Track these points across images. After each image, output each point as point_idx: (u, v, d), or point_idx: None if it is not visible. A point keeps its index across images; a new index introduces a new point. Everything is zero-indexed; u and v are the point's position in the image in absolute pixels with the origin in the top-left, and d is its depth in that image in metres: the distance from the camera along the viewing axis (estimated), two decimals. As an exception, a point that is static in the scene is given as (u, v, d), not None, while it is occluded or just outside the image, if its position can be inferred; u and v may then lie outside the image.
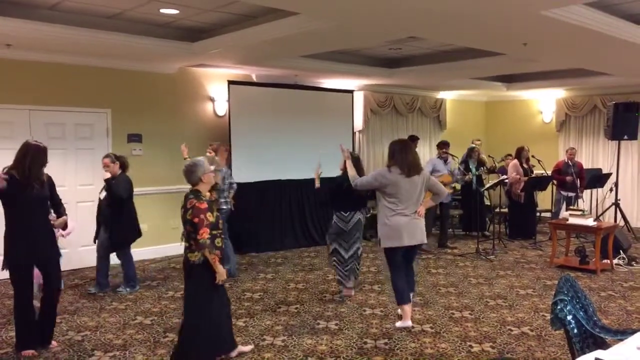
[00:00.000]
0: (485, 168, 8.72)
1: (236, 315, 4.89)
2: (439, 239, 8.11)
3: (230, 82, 7.66)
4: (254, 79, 8.22)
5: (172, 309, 5.13)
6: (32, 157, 3.93)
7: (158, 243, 7.31)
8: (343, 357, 4.00)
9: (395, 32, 5.37)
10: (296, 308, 5.16)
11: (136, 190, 5.84)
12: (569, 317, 2.81)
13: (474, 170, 8.40)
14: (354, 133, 9.20)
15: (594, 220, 6.74)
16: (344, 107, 8.96)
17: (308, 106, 8.45)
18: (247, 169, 7.60)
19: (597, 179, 8.72)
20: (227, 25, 5.77)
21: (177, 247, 7.44)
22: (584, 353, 2.63)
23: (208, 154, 5.89)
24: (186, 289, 3.73)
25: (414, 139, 9.18)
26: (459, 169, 8.26)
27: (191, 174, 3.64)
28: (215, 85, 7.85)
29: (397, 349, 4.14)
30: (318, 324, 4.72)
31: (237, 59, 6.86)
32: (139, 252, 6.78)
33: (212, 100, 7.87)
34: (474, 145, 8.88)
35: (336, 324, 4.68)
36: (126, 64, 6.92)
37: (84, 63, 6.63)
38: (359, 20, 4.71)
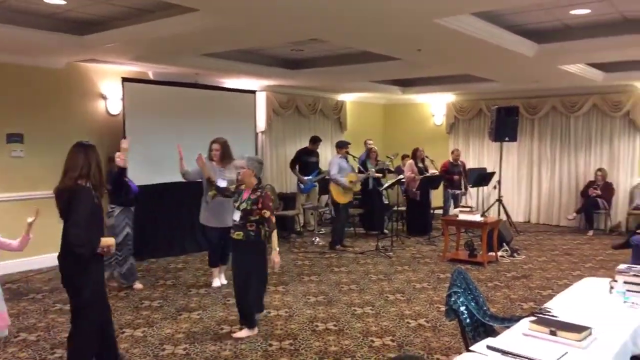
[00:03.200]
0: (388, 165, 9.07)
1: (133, 325, 4.64)
2: (330, 239, 8.09)
3: (124, 80, 7.26)
4: (151, 76, 7.86)
5: (60, 323, 4.75)
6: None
7: (44, 252, 6.73)
8: (248, 361, 3.95)
9: (295, 32, 5.39)
10: (198, 314, 5.00)
11: (17, 194, 5.35)
12: (462, 308, 3.00)
13: (373, 170, 8.70)
14: (256, 134, 9.13)
15: (481, 216, 7.26)
16: (246, 107, 8.86)
17: (209, 106, 8.23)
18: (144, 171, 7.24)
19: (482, 177, 9.41)
20: (122, 19, 5.45)
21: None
22: (476, 341, 2.81)
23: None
24: None
25: (316, 140, 9.34)
26: (359, 168, 8.50)
27: None
28: (108, 82, 7.39)
29: (302, 349, 4.16)
30: (222, 329, 4.61)
31: (132, 55, 6.51)
32: (23, 262, 6.22)
33: (104, 98, 7.39)
34: (372, 146, 9.19)
35: (240, 328, 4.59)
36: (6, 57, 6.30)
37: (-46, 54, 5.96)
38: (258, 19, 4.67)
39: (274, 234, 4.30)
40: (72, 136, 6.90)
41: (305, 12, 4.44)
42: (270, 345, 4.25)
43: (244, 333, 4.43)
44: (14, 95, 6.49)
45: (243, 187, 4.47)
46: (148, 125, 7.39)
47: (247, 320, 4.47)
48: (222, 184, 4.85)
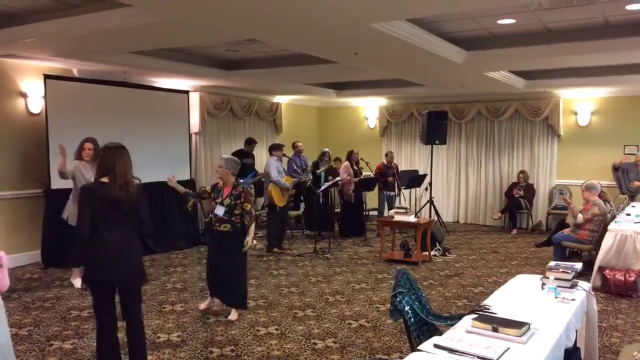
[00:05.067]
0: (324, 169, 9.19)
1: (61, 337, 4.35)
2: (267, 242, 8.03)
3: (46, 77, 6.82)
4: (75, 73, 7.42)
5: (47, 318, 4.65)
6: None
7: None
8: (188, 371, 3.81)
9: (230, 32, 5.28)
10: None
11: None
12: (407, 308, 3.05)
13: (323, 174, 8.74)
14: (190, 135, 8.88)
15: (415, 217, 7.46)
16: (179, 108, 8.60)
17: (140, 106, 7.91)
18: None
19: (414, 179, 9.69)
20: (45, 12, 5.11)
21: (23, 258, 6.44)
22: (420, 340, 2.87)
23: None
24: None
25: (251, 142, 9.23)
26: (295, 170, 8.49)
27: None
28: (29, 79, 6.91)
29: (244, 355, 4.08)
30: (159, 337, 4.42)
31: (55, 51, 6.13)
32: None
33: (24, 95, 6.90)
34: (327, 150, 9.28)
35: (178, 336, 4.44)
36: None
37: None
38: (192, 17, 4.53)
39: (252, 224, 4.91)
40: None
41: (241, 11, 4.35)
42: (211, 352, 4.13)
43: (235, 315, 4.92)
44: None
45: (221, 185, 4.94)
46: (73, 125, 6.95)
47: (241, 301, 4.98)
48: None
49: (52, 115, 6.80)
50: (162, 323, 4.77)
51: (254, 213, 4.99)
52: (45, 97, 6.83)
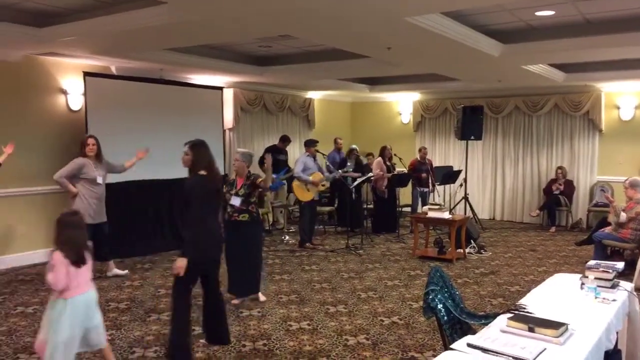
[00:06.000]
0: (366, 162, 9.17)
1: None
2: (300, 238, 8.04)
3: (86, 74, 7.01)
4: (114, 71, 7.61)
5: (23, 327, 4.54)
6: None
7: (2, 253, 6.45)
8: (221, 363, 3.87)
9: (263, 28, 5.31)
10: (168, 316, 4.86)
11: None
12: (440, 306, 3.00)
13: (351, 170, 8.73)
14: (224, 131, 8.99)
15: (449, 214, 7.35)
16: (213, 104, 8.71)
17: (175, 102, 8.05)
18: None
19: (449, 175, 9.54)
20: (84, 11, 5.25)
21: (24, 257, 6.66)
22: (454, 339, 2.82)
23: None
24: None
25: (286, 140, 9.28)
26: (327, 166, 8.48)
27: None
28: (69, 76, 7.12)
29: (276, 349, 4.11)
30: (193, 330, 4.49)
31: (94, 49, 6.29)
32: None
33: (64, 93, 7.11)
34: (355, 146, 9.24)
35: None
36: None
37: None
38: (226, 13, 4.57)
39: (269, 176, 5.24)
40: (30, 132, 6.71)
41: (274, 7, 4.37)
42: (244, 346, 4.17)
43: (263, 297, 5.33)
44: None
45: (233, 177, 5.24)
46: (111, 121, 7.15)
47: (256, 287, 5.29)
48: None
49: (91, 112, 6.99)
50: (197, 315, 4.84)
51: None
52: (84, 94, 7.02)
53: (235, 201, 5.03)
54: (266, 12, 4.50)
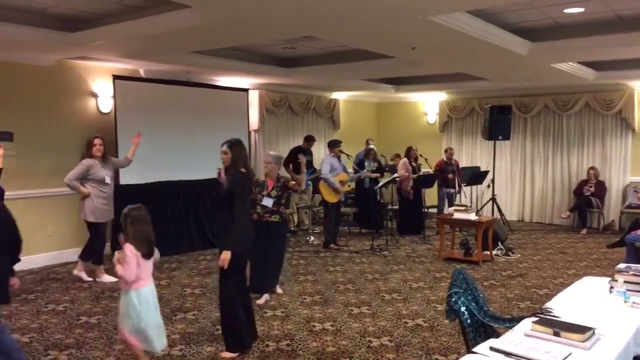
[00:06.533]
0: (384, 167, 9.09)
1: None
2: (324, 239, 8.03)
3: (115, 77, 7.17)
4: (142, 74, 7.76)
5: (54, 324, 4.67)
6: None
7: (34, 252, 6.63)
8: (244, 363, 3.90)
9: (287, 29, 5.34)
10: (194, 315, 4.94)
11: (8, 194, 5.23)
12: (463, 309, 2.96)
13: (364, 171, 8.68)
14: (249, 132, 9.07)
15: (476, 215, 7.25)
16: (238, 106, 8.80)
17: (201, 104, 8.17)
18: (136, 170, 7.15)
19: (476, 176, 9.41)
20: (112, 15, 5.37)
21: (54, 257, 6.84)
22: (477, 342, 2.78)
23: None
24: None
25: (310, 139, 9.29)
26: (353, 167, 8.47)
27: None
28: (99, 79, 7.30)
29: (299, 350, 4.12)
30: (218, 329, 4.54)
31: (122, 53, 6.42)
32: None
33: (95, 95, 7.29)
34: (372, 147, 9.18)
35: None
36: (-6, 54, 6.20)
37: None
38: (250, 16, 4.61)
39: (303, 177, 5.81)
40: (62, 134, 6.89)
41: (298, 9, 4.39)
42: (267, 346, 4.20)
43: (280, 289, 5.58)
44: (1, 94, 6.37)
45: (263, 178, 5.40)
46: (140, 123, 7.28)
47: (274, 284, 5.50)
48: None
49: (120, 114, 7.14)
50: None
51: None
52: (114, 96, 7.18)
53: (268, 202, 5.20)
54: (289, 13, 4.52)
